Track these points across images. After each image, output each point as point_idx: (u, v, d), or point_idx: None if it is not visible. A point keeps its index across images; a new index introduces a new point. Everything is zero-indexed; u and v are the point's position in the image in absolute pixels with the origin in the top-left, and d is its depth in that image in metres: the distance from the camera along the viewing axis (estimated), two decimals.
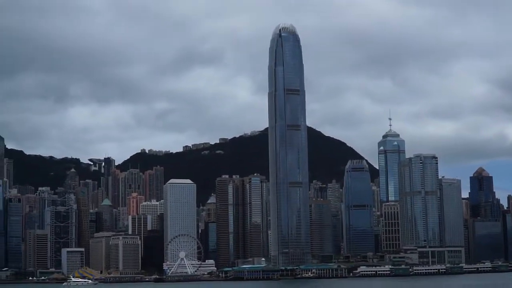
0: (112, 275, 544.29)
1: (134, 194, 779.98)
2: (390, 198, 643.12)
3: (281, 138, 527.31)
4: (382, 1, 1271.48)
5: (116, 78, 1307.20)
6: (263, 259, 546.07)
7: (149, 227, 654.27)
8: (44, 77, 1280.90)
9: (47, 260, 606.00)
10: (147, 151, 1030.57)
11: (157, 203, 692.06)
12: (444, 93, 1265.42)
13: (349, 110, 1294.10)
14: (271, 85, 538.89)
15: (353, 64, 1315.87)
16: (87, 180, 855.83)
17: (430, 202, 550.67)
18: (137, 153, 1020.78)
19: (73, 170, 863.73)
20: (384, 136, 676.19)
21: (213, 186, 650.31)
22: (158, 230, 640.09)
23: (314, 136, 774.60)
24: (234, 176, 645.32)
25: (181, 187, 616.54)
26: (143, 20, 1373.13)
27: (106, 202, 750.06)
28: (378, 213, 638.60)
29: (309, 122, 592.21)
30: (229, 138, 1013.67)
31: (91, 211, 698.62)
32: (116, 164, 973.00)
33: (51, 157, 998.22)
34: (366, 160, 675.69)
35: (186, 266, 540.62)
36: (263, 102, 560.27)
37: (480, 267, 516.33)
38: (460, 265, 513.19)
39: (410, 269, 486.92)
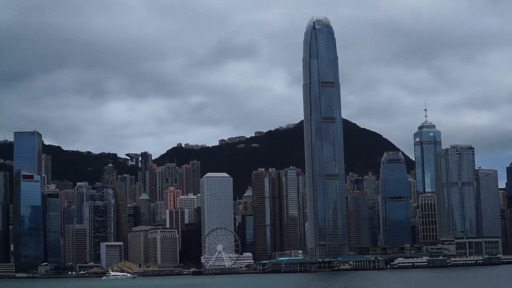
0: (150, 268, 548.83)
1: (171, 188, 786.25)
2: (426, 190, 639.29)
3: (317, 131, 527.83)
4: None
5: (152, 73, 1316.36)
6: (300, 251, 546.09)
7: (186, 221, 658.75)
8: (81, 73, 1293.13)
9: (86, 254, 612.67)
10: (183, 145, 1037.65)
11: (194, 196, 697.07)
12: (480, 83, 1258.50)
13: (385, 101, 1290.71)
14: (305, 78, 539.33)
15: (388, 56, 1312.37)
16: (124, 175, 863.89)
17: (467, 193, 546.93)
18: (173, 147, 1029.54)
19: (110, 165, 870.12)
20: (420, 127, 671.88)
21: (249, 180, 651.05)
22: (196, 223, 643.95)
23: (350, 128, 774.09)
24: (270, 169, 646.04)
25: (218, 181, 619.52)
26: (177, 14, 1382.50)
27: (144, 196, 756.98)
28: (415, 204, 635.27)
29: (344, 114, 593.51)
30: (264, 131, 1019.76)
31: (129, 205, 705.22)
32: (153, 158, 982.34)
33: (88, 152, 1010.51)
34: (402, 152, 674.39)
35: (223, 259, 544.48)
36: (298, 94, 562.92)
37: None
38: (498, 255, 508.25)
39: (448, 261, 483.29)
